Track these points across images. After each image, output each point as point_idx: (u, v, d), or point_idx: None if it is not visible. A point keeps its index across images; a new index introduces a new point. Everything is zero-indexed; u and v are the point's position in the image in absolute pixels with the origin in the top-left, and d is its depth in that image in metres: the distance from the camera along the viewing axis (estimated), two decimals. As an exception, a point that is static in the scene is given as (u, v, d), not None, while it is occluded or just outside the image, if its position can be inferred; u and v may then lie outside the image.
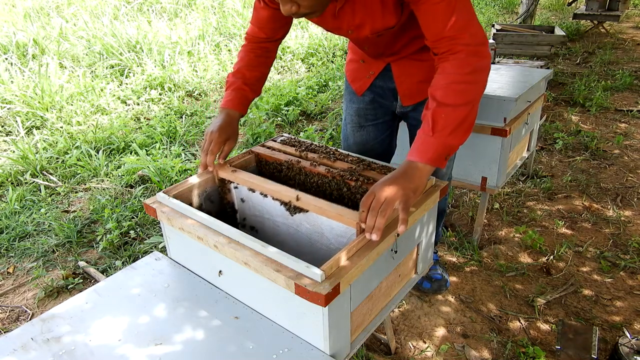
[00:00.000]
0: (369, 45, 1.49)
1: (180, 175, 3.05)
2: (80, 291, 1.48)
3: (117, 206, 2.75)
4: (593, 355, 1.67)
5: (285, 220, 1.39)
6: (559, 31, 4.80)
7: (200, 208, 1.44)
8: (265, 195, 1.38)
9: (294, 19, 1.52)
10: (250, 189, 1.41)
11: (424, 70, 1.51)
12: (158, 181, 2.95)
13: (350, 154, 1.50)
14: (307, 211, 1.28)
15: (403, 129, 1.85)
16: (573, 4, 7.71)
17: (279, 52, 5.70)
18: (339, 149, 1.53)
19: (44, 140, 3.60)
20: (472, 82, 1.15)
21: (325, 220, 1.26)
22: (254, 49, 1.55)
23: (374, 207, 1.07)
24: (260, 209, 1.44)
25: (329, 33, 6.33)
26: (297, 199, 1.27)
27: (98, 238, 2.50)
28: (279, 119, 4.00)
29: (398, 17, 1.27)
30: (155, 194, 1.51)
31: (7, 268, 2.36)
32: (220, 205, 1.52)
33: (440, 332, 1.86)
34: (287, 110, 4.09)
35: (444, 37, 1.16)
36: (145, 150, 3.42)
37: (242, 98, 1.50)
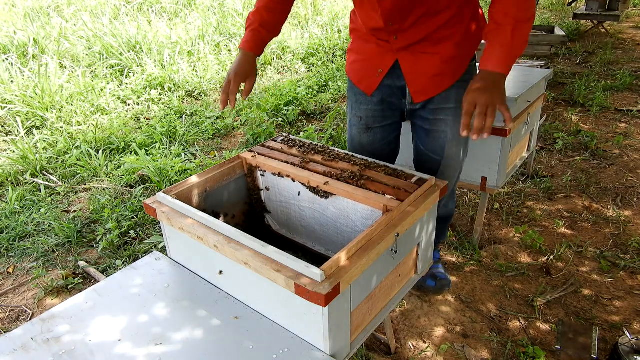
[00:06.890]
0: (386, 6, 1.39)
1: (180, 175, 3.05)
2: (80, 291, 1.48)
3: (117, 206, 2.75)
4: (593, 355, 1.68)
5: (311, 205, 1.43)
6: (559, 31, 4.80)
7: (228, 201, 1.48)
8: (294, 180, 1.42)
9: None
10: (279, 174, 1.45)
11: (436, 64, 1.49)
12: (158, 181, 2.95)
13: (350, 154, 1.50)
14: (335, 195, 1.35)
15: (405, 128, 1.84)
16: (573, 4, 7.71)
17: (279, 52, 5.74)
18: (338, 149, 1.53)
19: (44, 140, 3.60)
20: (532, 1, 1.33)
21: (351, 203, 1.33)
22: None
23: (481, 111, 1.25)
24: (287, 195, 1.48)
25: (329, 33, 6.33)
26: (325, 183, 1.34)
27: (98, 238, 2.51)
28: (279, 119, 4.00)
29: None
30: (155, 194, 1.51)
31: (7, 268, 2.36)
32: (246, 193, 1.58)
33: (440, 332, 1.86)
34: (287, 110, 4.08)
35: None
36: (145, 150, 3.42)
37: (258, 40, 1.59)
